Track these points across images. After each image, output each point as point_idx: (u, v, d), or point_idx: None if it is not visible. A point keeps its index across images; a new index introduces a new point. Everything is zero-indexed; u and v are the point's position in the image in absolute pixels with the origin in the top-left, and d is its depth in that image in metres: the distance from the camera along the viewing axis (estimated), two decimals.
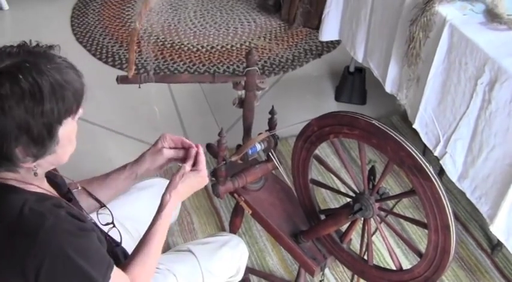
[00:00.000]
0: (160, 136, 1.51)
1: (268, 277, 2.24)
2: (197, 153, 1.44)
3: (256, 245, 2.39)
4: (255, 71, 1.76)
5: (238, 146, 1.83)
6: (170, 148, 1.50)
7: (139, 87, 1.72)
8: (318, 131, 1.56)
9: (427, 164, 1.33)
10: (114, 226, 1.41)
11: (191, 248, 1.65)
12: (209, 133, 2.82)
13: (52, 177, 1.33)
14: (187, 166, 1.42)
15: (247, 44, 3.73)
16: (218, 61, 3.56)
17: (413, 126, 2.28)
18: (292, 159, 1.72)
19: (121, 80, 1.70)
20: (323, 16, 2.88)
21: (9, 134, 1.04)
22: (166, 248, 2.32)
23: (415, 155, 1.33)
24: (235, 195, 1.91)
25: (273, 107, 1.80)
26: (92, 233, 1.21)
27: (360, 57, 2.74)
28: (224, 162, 1.75)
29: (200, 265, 1.60)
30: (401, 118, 3.02)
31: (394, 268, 1.59)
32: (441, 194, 1.32)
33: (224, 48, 3.69)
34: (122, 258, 1.45)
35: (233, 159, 1.77)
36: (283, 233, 1.81)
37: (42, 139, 1.09)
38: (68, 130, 1.14)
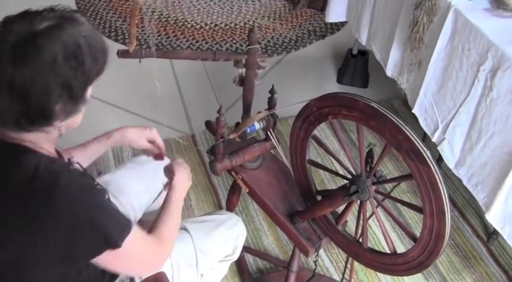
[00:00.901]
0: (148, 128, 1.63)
1: (263, 256, 2.25)
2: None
3: (253, 224, 2.39)
4: (256, 50, 1.74)
5: (237, 124, 1.83)
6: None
7: (140, 61, 1.71)
8: (316, 111, 1.55)
9: (424, 148, 1.32)
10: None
11: (187, 226, 1.65)
12: (209, 110, 2.80)
13: None
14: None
15: (251, 23, 3.71)
16: (221, 39, 3.54)
17: (413, 111, 2.27)
18: (291, 139, 1.71)
19: (122, 54, 1.68)
20: None
21: (53, 92, 1.08)
22: None
23: (413, 139, 1.32)
24: (233, 173, 1.91)
25: (273, 86, 1.80)
26: (105, 192, 1.23)
27: (363, 40, 2.73)
28: (222, 139, 1.74)
29: (194, 244, 1.61)
30: (402, 103, 3.01)
31: (388, 251, 1.60)
32: (438, 180, 1.32)
33: (228, 27, 3.66)
34: None
35: (231, 137, 1.76)
36: (278, 213, 1.81)
37: (77, 97, 1.14)
38: (90, 92, 1.20)
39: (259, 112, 1.81)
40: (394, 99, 3.07)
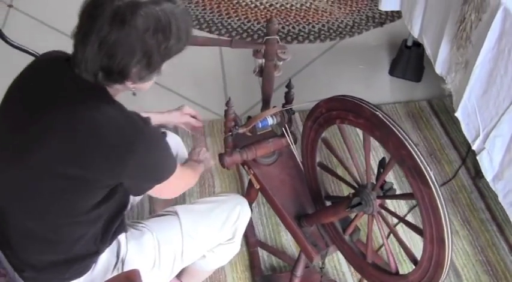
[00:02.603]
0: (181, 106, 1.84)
1: (277, 254, 2.16)
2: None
3: (273, 218, 2.30)
4: (275, 40, 1.64)
5: (249, 118, 1.73)
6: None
7: None
8: (326, 113, 1.43)
9: (428, 167, 1.18)
10: None
11: (178, 209, 1.61)
12: (250, 95, 2.73)
13: None
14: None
15: (308, 4, 3.56)
16: None
17: (456, 114, 2.10)
18: (302, 139, 1.61)
19: None
20: None
21: (136, 55, 1.19)
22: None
23: (415, 156, 1.19)
24: (245, 167, 1.82)
25: (290, 80, 1.69)
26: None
27: (415, 32, 2.55)
28: (230, 133, 1.66)
29: (182, 228, 1.56)
30: None
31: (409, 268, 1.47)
32: (439, 204, 1.18)
33: (283, 7, 3.54)
34: None
35: (240, 131, 1.67)
36: (287, 213, 1.71)
37: (153, 68, 1.25)
38: (165, 66, 1.30)
39: (274, 106, 1.71)
40: (447, 97, 2.86)
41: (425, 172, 1.18)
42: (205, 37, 1.67)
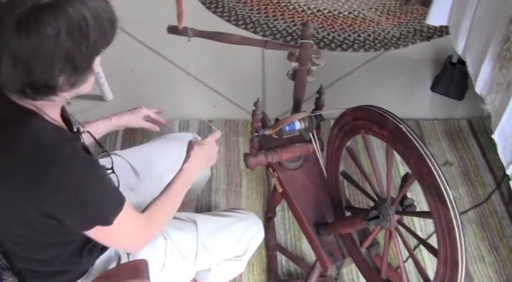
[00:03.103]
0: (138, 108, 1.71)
1: (294, 260, 2.14)
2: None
3: (296, 224, 2.28)
4: (310, 45, 1.62)
5: (276, 120, 1.72)
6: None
7: (189, 40, 1.65)
8: (352, 122, 1.41)
9: (447, 187, 1.15)
10: (113, 172, 1.37)
11: (197, 219, 1.59)
12: (288, 98, 2.72)
13: (63, 112, 1.32)
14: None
15: (356, 13, 3.53)
16: (320, 26, 3.40)
17: (492, 136, 2.04)
18: (327, 146, 1.59)
19: (171, 29, 1.63)
20: None
21: (56, 64, 1.06)
22: (205, 208, 2.30)
23: (436, 175, 1.15)
24: (270, 169, 1.81)
25: (321, 86, 1.67)
26: (103, 168, 1.24)
27: (460, 49, 2.49)
28: (256, 134, 1.65)
29: (197, 239, 1.54)
30: None
31: None
32: (455, 225, 1.14)
33: (330, 14, 3.51)
34: None
35: (267, 132, 1.66)
36: (306, 220, 1.70)
37: (83, 69, 1.11)
38: (98, 61, 1.17)
39: (304, 111, 1.69)
40: (488, 118, 2.78)
41: (444, 191, 1.15)
42: (240, 36, 1.65)
